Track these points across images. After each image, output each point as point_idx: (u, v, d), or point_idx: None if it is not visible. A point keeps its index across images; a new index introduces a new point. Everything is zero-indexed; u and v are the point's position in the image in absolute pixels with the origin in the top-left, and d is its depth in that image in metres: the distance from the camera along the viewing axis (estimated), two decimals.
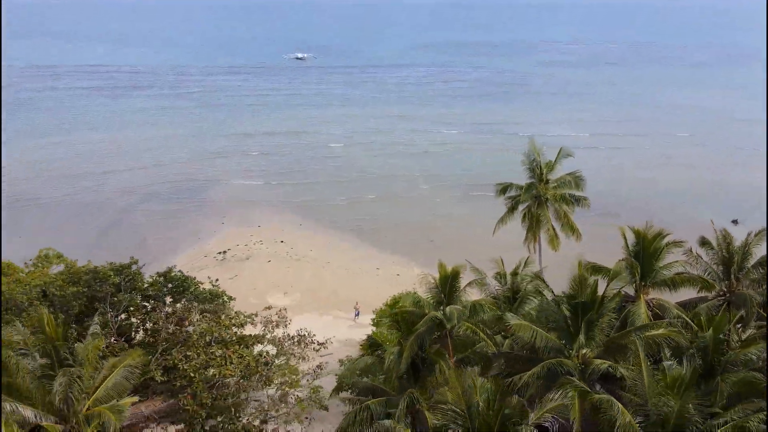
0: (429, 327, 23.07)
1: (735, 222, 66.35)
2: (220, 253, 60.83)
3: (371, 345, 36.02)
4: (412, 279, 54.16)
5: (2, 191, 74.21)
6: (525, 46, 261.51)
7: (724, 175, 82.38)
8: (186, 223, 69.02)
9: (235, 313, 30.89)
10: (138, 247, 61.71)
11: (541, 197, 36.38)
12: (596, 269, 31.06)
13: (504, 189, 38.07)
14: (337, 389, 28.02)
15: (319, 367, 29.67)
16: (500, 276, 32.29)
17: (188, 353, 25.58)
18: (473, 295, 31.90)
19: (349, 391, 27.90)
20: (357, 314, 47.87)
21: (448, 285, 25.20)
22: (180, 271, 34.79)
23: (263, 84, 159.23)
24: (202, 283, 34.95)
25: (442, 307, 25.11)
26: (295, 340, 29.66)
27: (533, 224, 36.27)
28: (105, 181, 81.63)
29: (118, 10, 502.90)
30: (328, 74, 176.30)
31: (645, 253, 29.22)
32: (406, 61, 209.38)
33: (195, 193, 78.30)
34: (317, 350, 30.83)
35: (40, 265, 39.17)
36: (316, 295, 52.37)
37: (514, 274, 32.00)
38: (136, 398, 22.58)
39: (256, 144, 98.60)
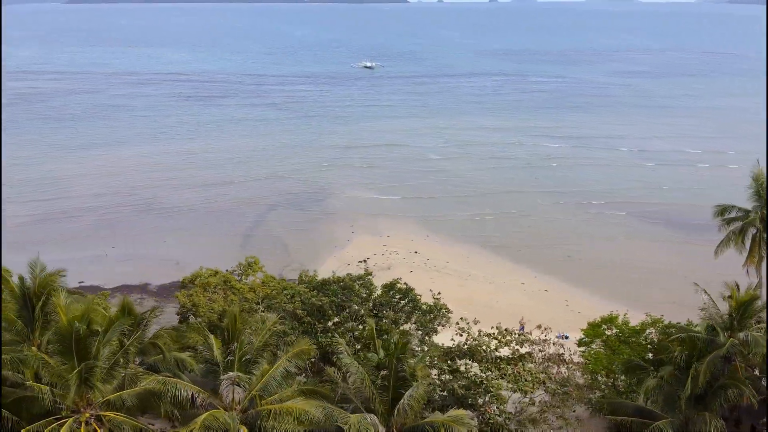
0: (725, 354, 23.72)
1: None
2: (360, 261, 62.89)
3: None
4: (562, 295, 55.84)
5: (117, 197, 79.09)
6: (595, 54, 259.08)
7: None
8: (318, 231, 71.65)
9: (504, 330, 32.26)
10: (282, 253, 65.08)
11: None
12: None
13: (723, 211, 38.44)
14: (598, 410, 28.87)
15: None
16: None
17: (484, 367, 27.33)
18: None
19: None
20: (522, 329, 48.99)
21: (741, 310, 25.75)
22: (405, 283, 36.34)
23: (341, 92, 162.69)
24: (420, 295, 36.58)
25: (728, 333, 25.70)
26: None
27: (759, 248, 36.58)
28: (228, 191, 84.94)
29: (177, 13, 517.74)
30: (401, 84, 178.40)
31: None
32: (477, 69, 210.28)
33: (315, 203, 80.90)
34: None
35: (248, 271, 41.85)
36: (470, 308, 53.43)
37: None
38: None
39: (357, 156, 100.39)
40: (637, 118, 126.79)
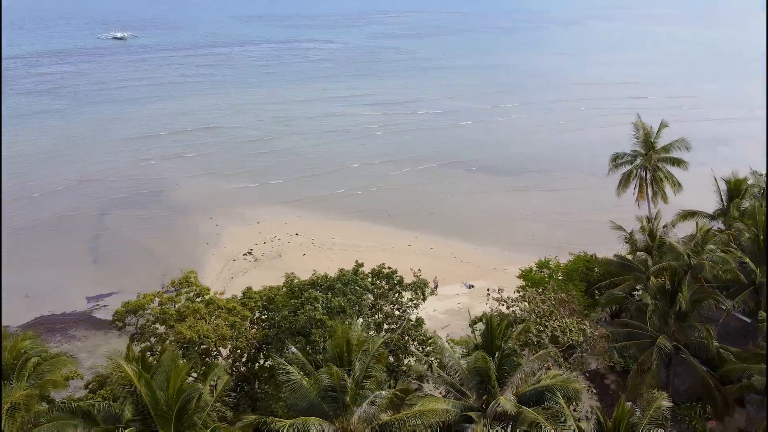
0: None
1: None
2: (246, 254, 60.45)
3: None
4: (446, 249, 61.49)
5: None
6: (347, 17, 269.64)
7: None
8: (178, 230, 65.92)
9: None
10: (150, 261, 59.15)
11: (649, 162, 44.91)
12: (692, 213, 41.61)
13: (617, 157, 46.25)
14: None
15: None
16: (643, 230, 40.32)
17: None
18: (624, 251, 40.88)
19: None
20: (436, 287, 53.23)
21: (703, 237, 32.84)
22: (389, 267, 37.01)
23: (106, 70, 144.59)
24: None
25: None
26: None
27: (644, 184, 45.37)
28: (38, 204, 71.98)
29: None
30: (170, 56, 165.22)
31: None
32: (245, 37, 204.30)
33: (154, 201, 73.44)
34: None
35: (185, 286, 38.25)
36: None
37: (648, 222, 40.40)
38: None
39: (175, 143, 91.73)
40: (419, 81, 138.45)
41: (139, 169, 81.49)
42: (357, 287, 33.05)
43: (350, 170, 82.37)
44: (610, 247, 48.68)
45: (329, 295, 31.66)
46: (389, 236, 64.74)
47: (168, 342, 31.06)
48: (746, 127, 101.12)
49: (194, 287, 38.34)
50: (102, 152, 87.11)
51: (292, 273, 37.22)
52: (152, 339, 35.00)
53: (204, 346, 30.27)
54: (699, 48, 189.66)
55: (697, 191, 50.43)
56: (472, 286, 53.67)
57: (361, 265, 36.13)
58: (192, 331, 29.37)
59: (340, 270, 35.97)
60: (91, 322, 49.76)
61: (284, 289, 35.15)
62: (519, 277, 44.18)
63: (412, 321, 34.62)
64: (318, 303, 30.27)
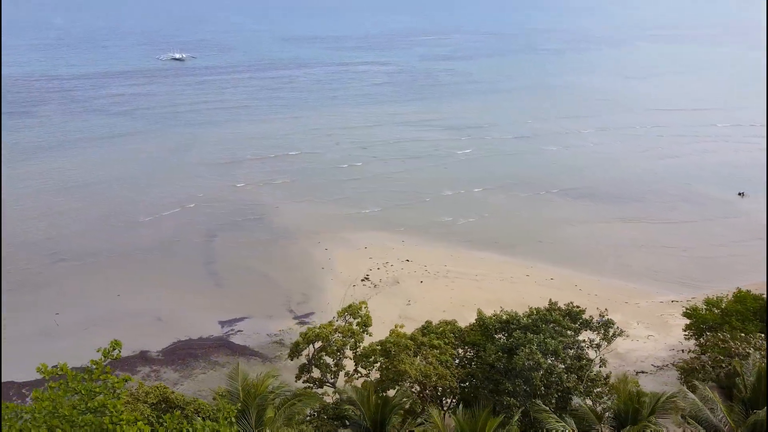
0: None
1: (741, 194, 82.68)
2: (363, 279, 60.45)
3: None
4: (567, 280, 60.61)
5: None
6: (388, 39, 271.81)
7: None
8: (290, 255, 66.24)
9: None
10: (271, 286, 59.59)
11: None
12: None
13: None
14: None
15: None
16: None
17: None
18: None
19: None
20: None
21: None
22: (577, 305, 36.44)
23: (171, 90, 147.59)
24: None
25: None
26: None
27: None
28: (145, 230, 73.27)
29: None
30: (231, 78, 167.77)
31: None
32: (299, 58, 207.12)
33: (257, 225, 73.71)
34: None
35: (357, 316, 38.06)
36: (510, 308, 55.18)
37: None
38: None
39: (267, 168, 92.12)
40: (484, 103, 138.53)
41: (235, 194, 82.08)
42: (560, 327, 32.40)
43: (444, 197, 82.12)
44: (733, 283, 48.16)
45: (542, 336, 30.86)
46: (504, 264, 64.31)
47: (374, 378, 30.92)
48: None
49: (364, 317, 38.39)
50: (192, 176, 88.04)
51: (479, 309, 36.66)
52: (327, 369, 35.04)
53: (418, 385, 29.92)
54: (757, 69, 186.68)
55: None
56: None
57: (555, 304, 35.41)
58: (413, 369, 29.03)
59: (531, 308, 35.35)
60: (230, 347, 50.05)
61: (473, 324, 34.70)
62: (685, 315, 43.21)
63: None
64: (533, 345, 29.63)
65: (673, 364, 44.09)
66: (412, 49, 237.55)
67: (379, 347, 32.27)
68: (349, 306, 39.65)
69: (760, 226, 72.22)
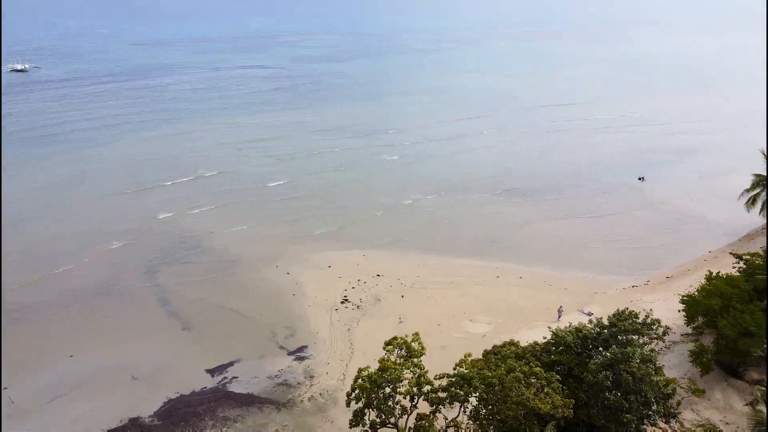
0: None
1: (641, 179, 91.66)
2: (342, 302, 58.06)
3: None
4: (535, 278, 63.00)
5: None
6: (253, 40, 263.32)
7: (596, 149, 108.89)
8: (249, 283, 61.37)
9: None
10: (244, 322, 55.02)
11: None
12: None
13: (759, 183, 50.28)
14: None
15: None
16: None
17: None
18: None
19: None
20: (560, 316, 54.74)
21: None
22: (632, 311, 37.02)
23: (32, 109, 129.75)
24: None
25: None
26: None
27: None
28: (74, 271, 63.79)
29: None
30: (98, 89, 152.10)
31: None
32: (165, 63, 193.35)
33: (195, 250, 67.93)
34: None
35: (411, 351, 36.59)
36: (501, 314, 56.09)
37: None
38: None
39: (194, 193, 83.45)
40: (382, 106, 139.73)
41: (161, 226, 73.53)
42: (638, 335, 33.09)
43: (390, 207, 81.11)
44: (673, 264, 53.34)
45: (635, 348, 31.10)
46: (471, 269, 65.11)
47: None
48: (703, 138, 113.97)
49: (419, 350, 36.69)
50: (101, 211, 77.23)
51: (557, 327, 36.05)
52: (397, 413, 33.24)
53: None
54: (618, 64, 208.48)
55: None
56: (591, 314, 55.52)
57: (626, 311, 35.51)
58: (544, 404, 27.99)
59: (596, 320, 35.81)
60: (232, 398, 45.21)
61: (545, 343, 34.53)
62: (682, 302, 46.81)
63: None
64: (636, 358, 29.93)
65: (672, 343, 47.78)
66: (281, 50, 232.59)
67: (454, 379, 31.04)
68: (394, 338, 37.54)
69: (674, 208, 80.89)
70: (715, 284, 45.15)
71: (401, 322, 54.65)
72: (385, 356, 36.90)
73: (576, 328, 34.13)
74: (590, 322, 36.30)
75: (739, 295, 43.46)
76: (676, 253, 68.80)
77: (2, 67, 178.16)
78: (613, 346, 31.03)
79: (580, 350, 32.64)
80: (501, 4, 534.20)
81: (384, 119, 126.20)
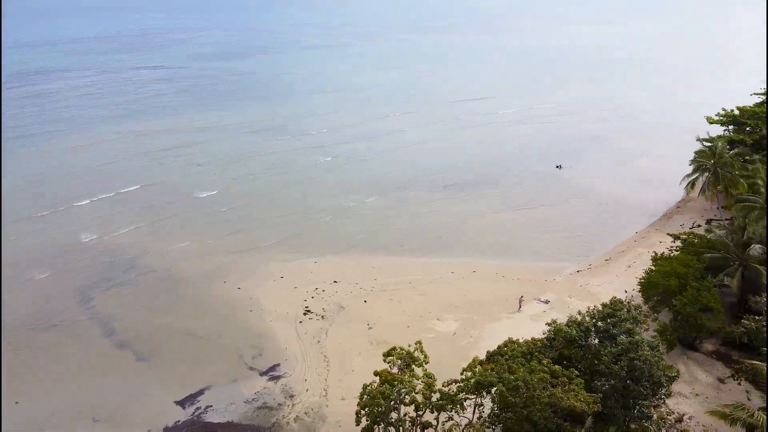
0: None
1: (559, 167, 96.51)
2: (305, 313, 56.31)
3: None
4: (488, 270, 64.47)
5: None
6: (147, 37, 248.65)
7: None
8: (199, 302, 57.89)
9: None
10: (215, 347, 51.83)
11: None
12: None
13: (698, 168, 53.85)
14: None
15: None
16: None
17: None
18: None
19: None
20: (520, 306, 56.35)
21: None
22: (620, 300, 38.14)
23: None
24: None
25: None
26: None
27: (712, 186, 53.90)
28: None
29: None
30: None
31: None
32: (50, 67, 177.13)
33: (142, 275, 63.05)
34: None
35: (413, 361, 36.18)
36: (464, 310, 56.66)
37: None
38: None
39: (119, 211, 77.03)
40: (298, 105, 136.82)
41: (89, 250, 67.52)
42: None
43: (333, 210, 79.55)
44: (607, 248, 57.87)
45: (636, 336, 32.35)
46: (425, 267, 65.43)
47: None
48: (609, 125, 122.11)
49: (423, 359, 36.20)
50: (13, 237, 69.87)
51: (559, 323, 36.55)
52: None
53: None
54: (520, 56, 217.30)
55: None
56: (548, 301, 57.67)
57: (621, 301, 36.52)
58: (578, 401, 28.33)
59: (592, 310, 36.86)
60: (212, 429, 42.39)
61: (546, 338, 35.19)
62: (640, 284, 49.75)
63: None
64: (645, 346, 31.12)
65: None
66: (174, 49, 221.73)
67: (463, 384, 31.10)
68: (393, 349, 36.77)
69: (598, 194, 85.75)
70: (670, 265, 48.19)
71: (371, 327, 53.83)
72: (389, 367, 36.07)
73: (575, 321, 35.07)
74: (579, 313, 37.44)
75: (693, 274, 46.84)
76: (608, 236, 72.97)
77: None
78: (621, 336, 32.27)
79: (583, 342, 33.62)
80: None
81: (306, 119, 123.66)
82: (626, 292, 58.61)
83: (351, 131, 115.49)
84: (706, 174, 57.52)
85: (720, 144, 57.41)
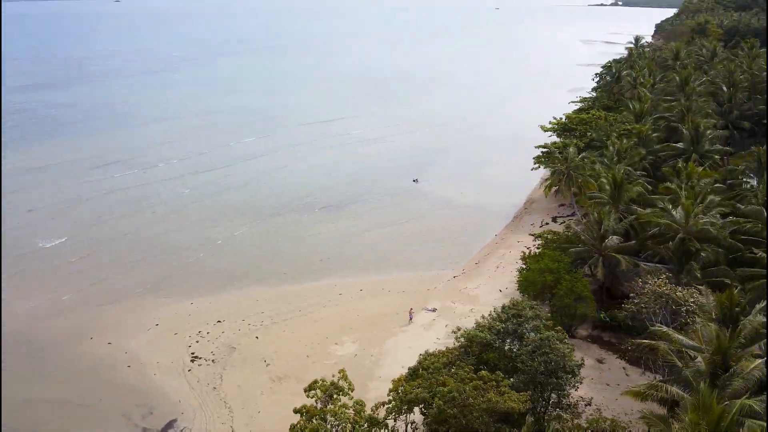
0: None
1: (415, 181, 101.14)
2: (193, 360, 52.67)
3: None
4: (374, 287, 65.61)
5: None
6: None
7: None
8: (66, 366, 51.42)
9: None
10: (104, 414, 46.46)
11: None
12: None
13: (554, 172, 58.66)
14: None
15: None
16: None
17: None
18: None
19: None
20: (411, 318, 57.97)
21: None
22: (519, 300, 40.85)
23: None
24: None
25: None
26: None
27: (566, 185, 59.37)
28: None
29: None
30: None
31: None
32: None
33: None
34: None
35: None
36: (360, 330, 56.65)
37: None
38: None
39: None
40: (144, 135, 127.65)
41: None
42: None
43: (197, 244, 75.03)
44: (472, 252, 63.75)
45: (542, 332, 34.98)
46: (311, 291, 64.55)
47: None
48: (446, 139, 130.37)
49: (348, 388, 35.77)
50: None
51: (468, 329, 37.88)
52: None
53: None
54: (353, 76, 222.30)
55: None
56: (435, 309, 60.07)
57: (517, 302, 38.98)
58: (517, 402, 29.67)
59: (495, 312, 39.04)
60: None
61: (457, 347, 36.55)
62: (519, 282, 53.87)
63: None
64: (554, 339, 33.70)
65: None
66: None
67: (394, 404, 31.61)
68: (315, 382, 35.76)
69: (456, 202, 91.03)
70: (543, 262, 52.84)
71: (268, 364, 51.80)
72: (314, 402, 34.94)
73: (485, 326, 37.01)
74: (483, 317, 39.60)
75: (564, 268, 51.86)
76: (473, 242, 77.93)
77: None
78: (531, 333, 34.83)
79: (497, 345, 35.61)
80: (206, 24, 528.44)
81: (150, 150, 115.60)
82: (500, 291, 62.98)
83: (204, 159, 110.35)
84: (561, 177, 64.26)
85: (571, 149, 64.62)
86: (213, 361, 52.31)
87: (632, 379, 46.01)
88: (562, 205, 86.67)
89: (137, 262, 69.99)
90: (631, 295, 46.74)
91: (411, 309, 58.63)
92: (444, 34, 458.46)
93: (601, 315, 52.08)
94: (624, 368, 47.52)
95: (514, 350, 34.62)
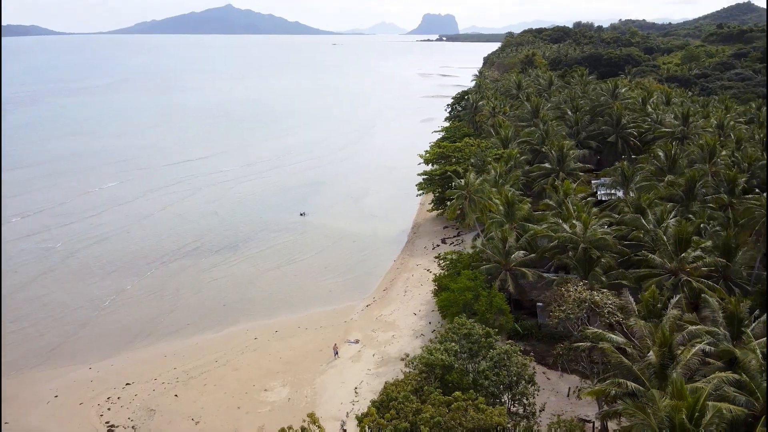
0: None
1: (303, 214, 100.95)
2: (110, 430, 47.96)
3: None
4: (289, 327, 64.61)
5: None
6: None
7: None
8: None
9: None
10: None
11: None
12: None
13: (458, 197, 61.51)
14: None
15: None
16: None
17: None
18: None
19: None
20: (336, 354, 57.73)
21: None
22: (463, 322, 43.11)
23: None
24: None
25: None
26: None
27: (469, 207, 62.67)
28: None
29: None
30: None
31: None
32: None
33: None
34: None
35: None
36: (286, 373, 55.06)
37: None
38: None
39: None
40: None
41: None
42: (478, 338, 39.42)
43: (85, 303, 68.07)
44: (375, 283, 68.27)
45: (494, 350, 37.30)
46: (225, 339, 61.68)
47: None
48: (317, 172, 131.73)
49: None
50: None
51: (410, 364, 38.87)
52: None
53: None
54: (199, 112, 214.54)
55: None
56: (358, 340, 60.49)
57: (463, 324, 40.81)
58: (499, 417, 31.11)
59: (445, 333, 40.57)
60: None
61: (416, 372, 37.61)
62: (439, 303, 56.32)
63: None
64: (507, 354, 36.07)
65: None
66: None
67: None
68: (282, 430, 34.64)
69: (349, 234, 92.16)
70: (461, 282, 55.86)
71: (197, 422, 48.57)
72: None
73: (439, 349, 38.44)
74: (431, 341, 41.17)
75: (480, 285, 55.35)
76: (375, 270, 79.62)
77: None
78: (491, 350, 37.00)
79: (457, 366, 37.25)
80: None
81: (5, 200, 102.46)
82: (415, 314, 65.19)
83: (66, 209, 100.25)
84: (464, 200, 68.35)
85: (471, 176, 69.11)
86: (133, 428, 47.88)
87: (553, 382, 50.26)
88: (446, 227, 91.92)
89: (17, 333, 61.64)
90: (539, 304, 51.02)
91: (335, 344, 58.34)
92: (291, 67, 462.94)
93: (515, 326, 56.14)
94: (544, 373, 51.64)
95: (474, 367, 36.48)
